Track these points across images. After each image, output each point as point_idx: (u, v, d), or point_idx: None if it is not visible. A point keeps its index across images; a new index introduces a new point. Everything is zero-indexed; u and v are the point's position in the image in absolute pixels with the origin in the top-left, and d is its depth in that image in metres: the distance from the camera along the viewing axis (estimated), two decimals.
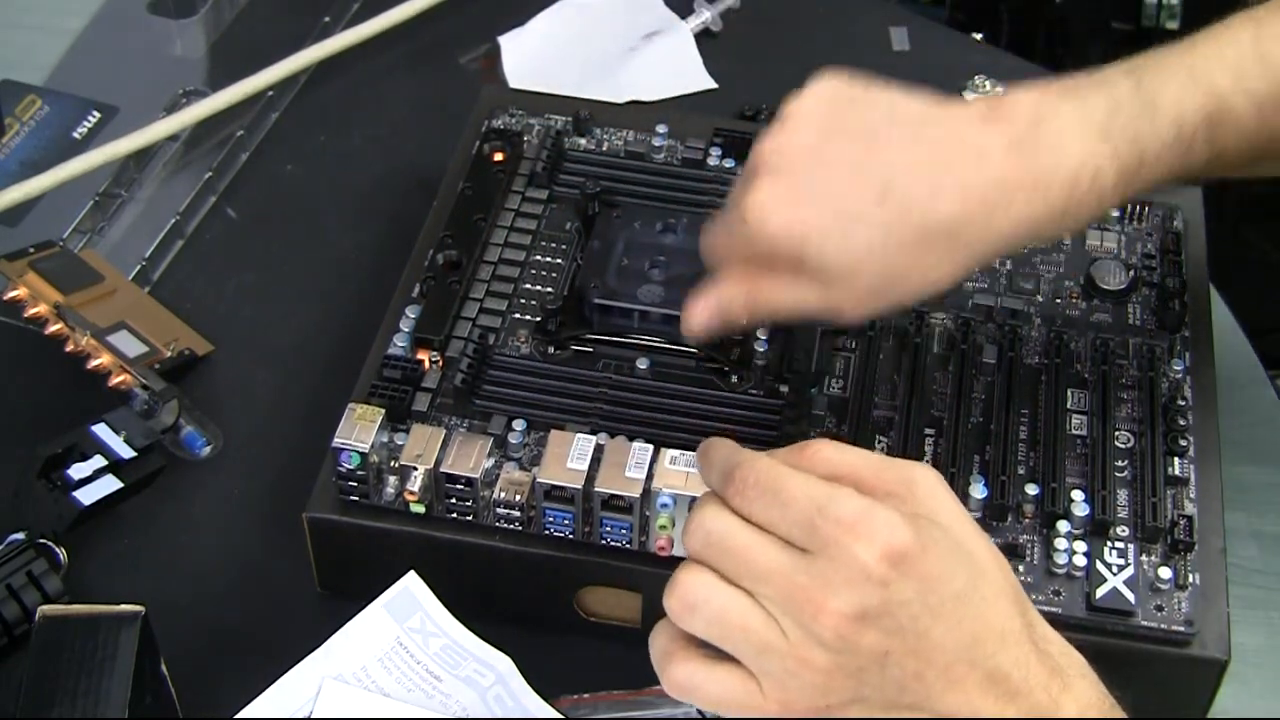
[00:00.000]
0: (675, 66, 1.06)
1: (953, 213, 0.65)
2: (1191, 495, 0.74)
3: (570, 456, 0.71)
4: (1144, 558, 0.71)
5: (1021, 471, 0.74)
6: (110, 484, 0.79)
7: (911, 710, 0.58)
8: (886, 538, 0.56)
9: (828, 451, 0.60)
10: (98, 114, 1.01)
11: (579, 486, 0.70)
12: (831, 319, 0.70)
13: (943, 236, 0.65)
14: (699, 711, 0.71)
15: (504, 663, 0.71)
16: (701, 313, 0.69)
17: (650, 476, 0.70)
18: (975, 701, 0.57)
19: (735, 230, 0.67)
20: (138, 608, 0.66)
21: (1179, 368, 0.79)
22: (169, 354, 0.86)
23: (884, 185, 0.64)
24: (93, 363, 0.83)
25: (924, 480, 0.60)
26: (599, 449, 0.71)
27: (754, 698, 0.58)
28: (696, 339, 0.73)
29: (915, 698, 0.57)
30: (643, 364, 0.77)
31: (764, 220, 0.65)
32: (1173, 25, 1.45)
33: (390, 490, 0.73)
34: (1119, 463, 0.74)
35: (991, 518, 0.72)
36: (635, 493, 0.70)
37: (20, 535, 0.76)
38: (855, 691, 0.57)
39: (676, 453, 0.70)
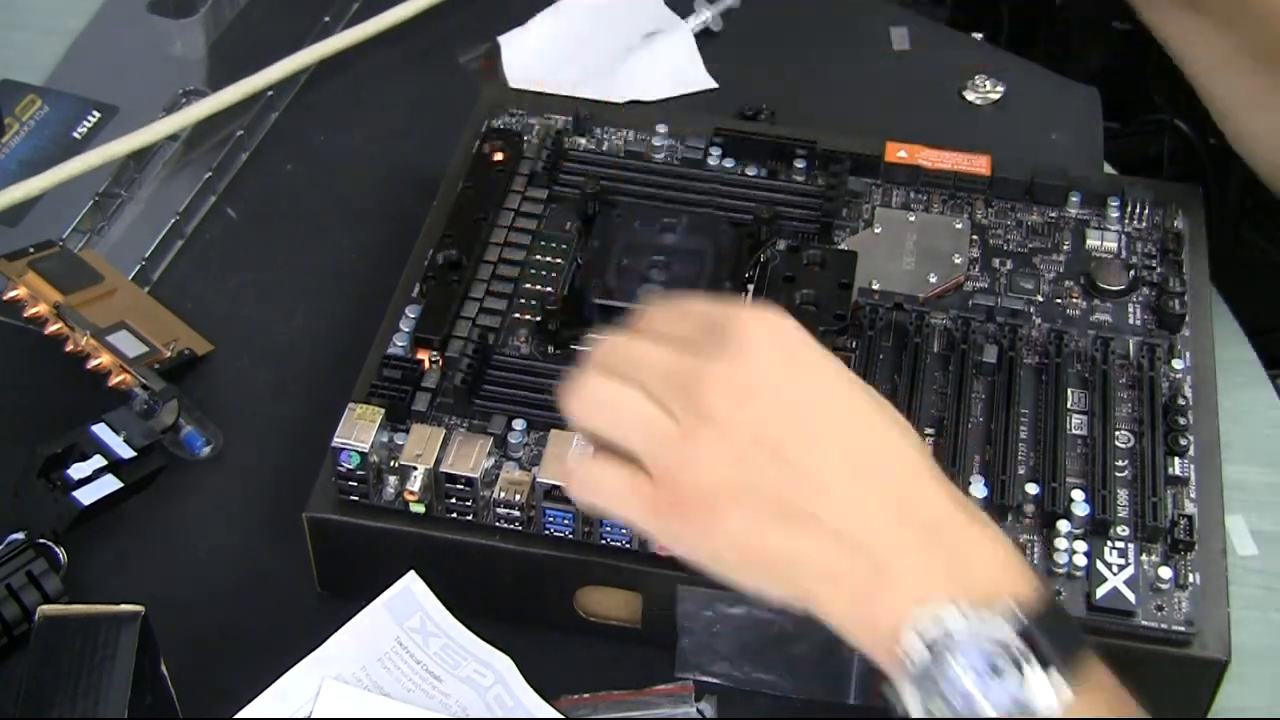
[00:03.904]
0: (675, 66, 1.06)
1: None
2: (1191, 495, 0.74)
3: (570, 456, 0.71)
4: (1144, 558, 0.71)
5: (1021, 471, 0.74)
6: (110, 484, 0.79)
7: (805, 520, 0.57)
8: (778, 318, 0.60)
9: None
10: (97, 114, 1.01)
11: None
12: None
13: None
14: (699, 712, 0.71)
15: (504, 663, 0.71)
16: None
17: None
18: (876, 516, 0.57)
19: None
20: (138, 608, 0.66)
21: (1179, 368, 0.79)
22: (169, 354, 0.86)
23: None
24: (93, 363, 0.83)
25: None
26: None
27: (645, 487, 0.59)
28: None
29: (807, 498, 0.57)
30: None
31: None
32: None
33: (390, 490, 0.73)
34: (1119, 463, 0.74)
35: (991, 518, 0.72)
36: None
37: (20, 535, 0.76)
38: (743, 478, 0.57)
39: None
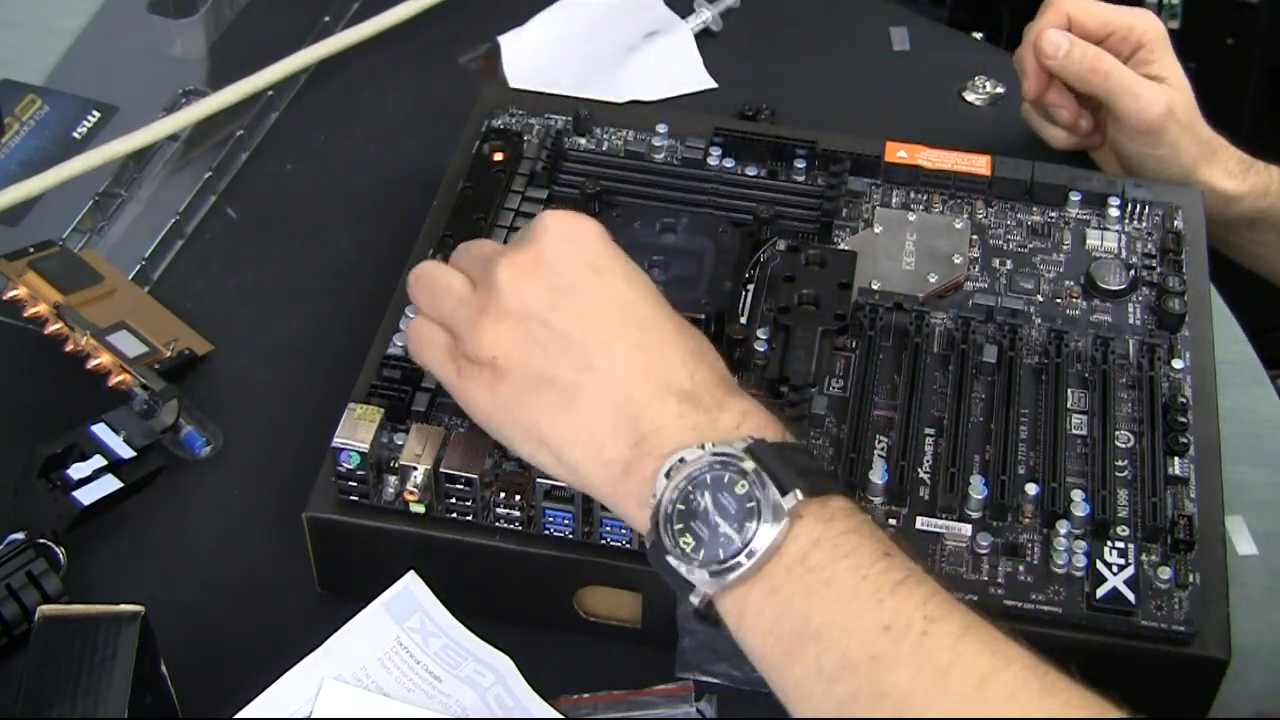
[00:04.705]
0: (675, 66, 1.06)
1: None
2: (1191, 495, 0.74)
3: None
4: (1144, 558, 0.71)
5: (1021, 471, 0.74)
6: (110, 484, 0.79)
7: (570, 391, 0.64)
8: (577, 217, 0.68)
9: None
10: (98, 114, 1.01)
11: None
12: None
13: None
14: (699, 712, 0.71)
15: (504, 663, 0.71)
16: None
17: None
18: (637, 390, 0.63)
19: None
20: (137, 608, 0.66)
21: (1179, 368, 0.79)
22: (169, 354, 0.86)
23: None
24: (93, 363, 0.83)
25: None
26: None
27: (446, 339, 0.68)
28: None
29: (573, 370, 0.64)
30: None
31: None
32: (1174, 25, 1.45)
33: (390, 490, 0.73)
34: (1119, 462, 0.74)
35: (991, 518, 0.72)
36: None
37: (20, 535, 0.76)
38: (519, 347, 0.65)
39: None
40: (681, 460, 0.61)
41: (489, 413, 0.66)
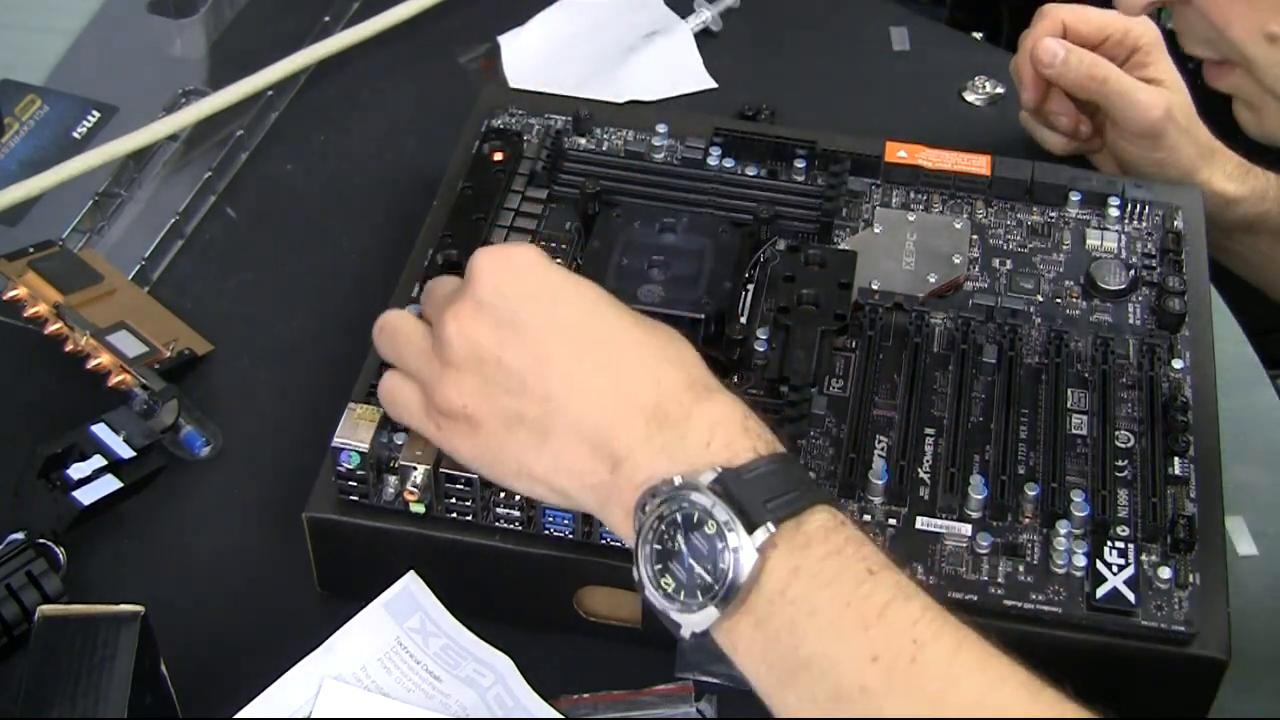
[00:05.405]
0: (675, 66, 1.06)
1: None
2: (1191, 495, 0.74)
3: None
4: (1144, 558, 0.71)
5: (1021, 471, 0.74)
6: (110, 484, 0.79)
7: (540, 424, 0.63)
8: (510, 248, 0.67)
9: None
10: (97, 114, 1.01)
11: None
12: None
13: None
14: (699, 712, 0.71)
15: (504, 663, 0.71)
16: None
17: None
18: (606, 413, 0.63)
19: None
20: (137, 608, 0.66)
21: (1179, 368, 0.79)
22: (169, 354, 0.86)
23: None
24: (92, 363, 0.83)
25: None
26: None
27: (419, 395, 0.68)
28: None
29: (537, 404, 0.63)
30: None
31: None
32: (1174, 25, 1.45)
33: (390, 490, 0.73)
34: (1119, 462, 0.74)
35: (991, 518, 0.72)
36: None
37: (20, 535, 0.76)
38: (483, 392, 0.64)
39: None
40: (653, 492, 0.61)
41: (476, 460, 0.67)
